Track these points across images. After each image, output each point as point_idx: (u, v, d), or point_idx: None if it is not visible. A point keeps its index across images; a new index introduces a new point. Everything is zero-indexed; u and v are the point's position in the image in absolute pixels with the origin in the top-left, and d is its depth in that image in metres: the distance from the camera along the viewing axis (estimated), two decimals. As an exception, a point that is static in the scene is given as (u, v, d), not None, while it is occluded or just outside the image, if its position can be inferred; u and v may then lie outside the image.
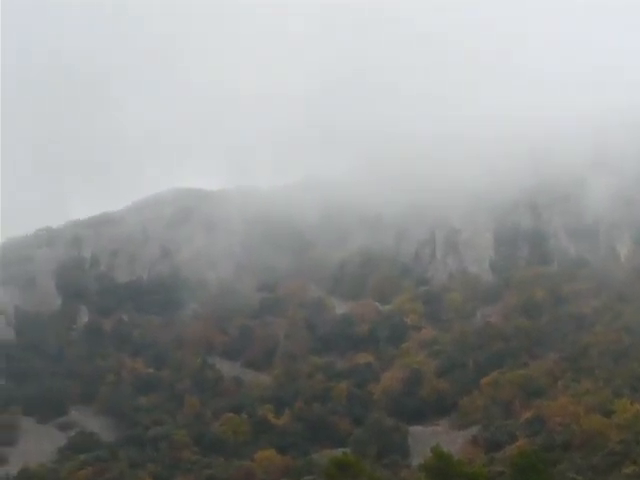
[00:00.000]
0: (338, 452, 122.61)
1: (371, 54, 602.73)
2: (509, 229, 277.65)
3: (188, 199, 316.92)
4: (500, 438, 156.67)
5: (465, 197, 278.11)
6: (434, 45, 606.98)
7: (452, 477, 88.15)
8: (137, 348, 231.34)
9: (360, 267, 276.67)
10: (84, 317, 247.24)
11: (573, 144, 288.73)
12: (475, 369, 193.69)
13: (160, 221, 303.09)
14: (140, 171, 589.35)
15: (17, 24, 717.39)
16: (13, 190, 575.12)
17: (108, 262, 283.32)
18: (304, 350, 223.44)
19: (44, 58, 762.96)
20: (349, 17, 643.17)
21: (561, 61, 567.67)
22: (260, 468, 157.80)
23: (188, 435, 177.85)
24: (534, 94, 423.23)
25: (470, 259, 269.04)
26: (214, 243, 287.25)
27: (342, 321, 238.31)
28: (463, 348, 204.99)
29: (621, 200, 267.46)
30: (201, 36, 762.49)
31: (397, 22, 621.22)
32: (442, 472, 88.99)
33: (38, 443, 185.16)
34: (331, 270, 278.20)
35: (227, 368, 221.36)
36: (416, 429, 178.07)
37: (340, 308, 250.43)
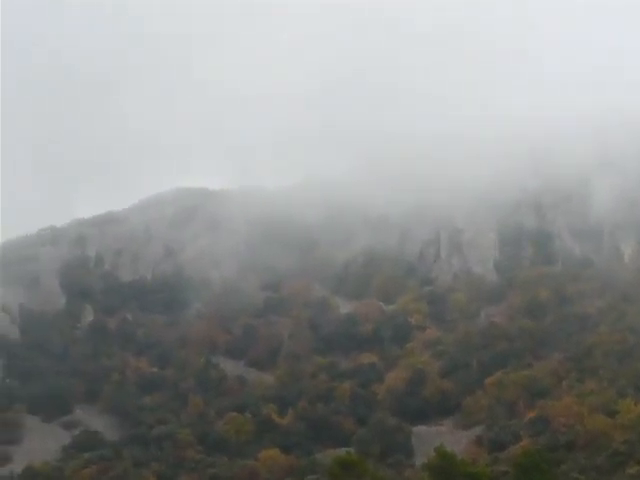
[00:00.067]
0: (342, 452, 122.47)
1: (371, 54, 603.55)
2: (513, 229, 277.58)
3: (192, 198, 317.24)
4: (504, 438, 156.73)
5: (469, 197, 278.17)
6: (435, 45, 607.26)
7: (456, 477, 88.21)
8: (141, 347, 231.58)
9: (364, 267, 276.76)
10: (88, 316, 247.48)
11: (577, 144, 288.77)
12: (479, 369, 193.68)
13: (164, 220, 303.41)
14: (144, 170, 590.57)
15: (17, 24, 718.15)
16: (16, 189, 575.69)
17: (112, 261, 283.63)
18: (308, 350, 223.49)
19: (45, 58, 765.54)
20: (349, 17, 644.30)
21: (563, 61, 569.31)
22: (264, 467, 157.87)
23: (192, 434, 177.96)
24: (537, 94, 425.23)
25: (474, 259, 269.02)
26: (218, 242, 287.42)
27: (346, 321, 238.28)
28: (467, 348, 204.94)
29: (625, 201, 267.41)
30: (203, 36, 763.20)
31: (397, 22, 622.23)
32: (446, 472, 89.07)
33: (42, 441, 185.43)
34: (335, 270, 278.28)
35: (231, 367, 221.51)
36: (420, 429, 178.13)
37: (344, 308, 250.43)
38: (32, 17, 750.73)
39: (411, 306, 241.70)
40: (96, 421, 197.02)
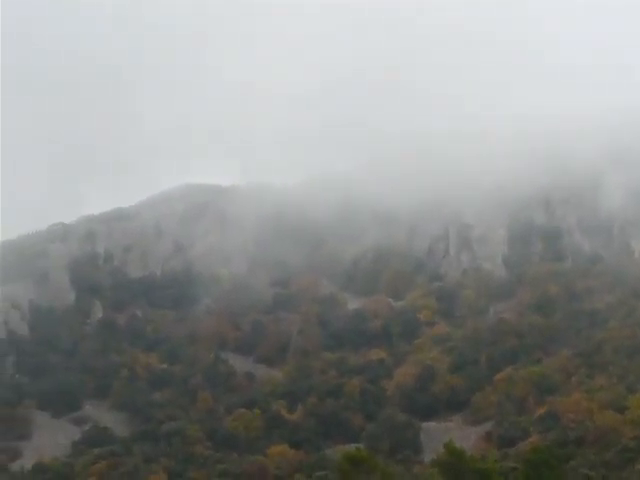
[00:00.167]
0: (351, 448, 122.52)
1: (388, 51, 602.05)
2: (523, 225, 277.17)
3: (201, 195, 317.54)
4: (513, 434, 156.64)
5: (479, 193, 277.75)
6: (452, 44, 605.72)
7: (465, 473, 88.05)
8: (150, 343, 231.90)
9: (373, 263, 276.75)
10: (98, 312, 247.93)
11: (588, 141, 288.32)
12: (488, 365, 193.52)
13: (173, 217, 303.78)
14: (153, 167, 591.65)
15: (30, 19, 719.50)
16: (27, 186, 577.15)
17: (121, 257, 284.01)
18: (317, 346, 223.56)
19: (59, 56, 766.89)
20: (370, 14, 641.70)
21: (574, 59, 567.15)
22: (273, 463, 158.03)
23: (201, 430, 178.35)
24: (548, 91, 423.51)
25: (483, 255, 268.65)
26: (227, 239, 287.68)
27: (355, 317, 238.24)
28: (476, 344, 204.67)
29: (635, 197, 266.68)
30: (214, 34, 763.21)
31: (416, 20, 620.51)
32: (455, 468, 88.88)
33: (52, 437, 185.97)
34: (344, 266, 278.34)
35: (240, 363, 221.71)
36: (429, 425, 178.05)
37: (353, 304, 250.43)
38: (44, 13, 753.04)
39: (420, 302, 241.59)
40: (106, 417, 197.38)
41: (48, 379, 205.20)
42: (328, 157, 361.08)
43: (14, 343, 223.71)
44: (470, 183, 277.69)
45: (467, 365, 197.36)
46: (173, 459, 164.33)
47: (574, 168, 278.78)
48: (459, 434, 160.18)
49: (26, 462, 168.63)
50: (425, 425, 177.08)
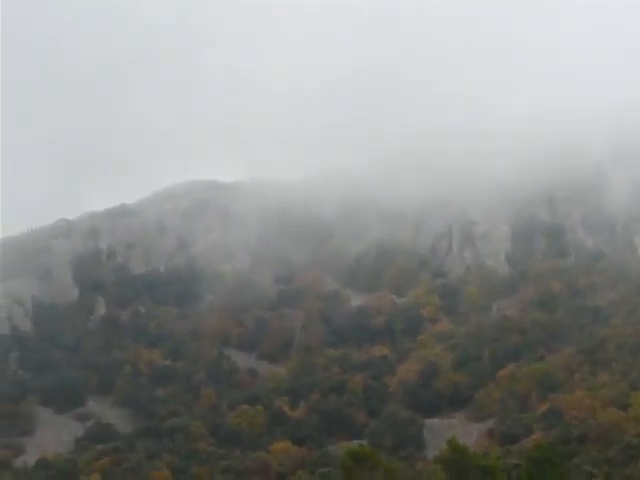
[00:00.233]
0: (354, 444, 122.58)
1: (395, 47, 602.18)
2: (526, 222, 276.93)
3: (204, 191, 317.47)
4: (516, 431, 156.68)
5: (482, 190, 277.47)
6: (453, 43, 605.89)
7: (468, 470, 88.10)
8: (154, 340, 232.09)
9: (376, 259, 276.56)
10: (101, 308, 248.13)
11: (591, 138, 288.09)
12: (491, 362, 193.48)
13: (176, 213, 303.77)
14: (157, 163, 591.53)
15: (28, 16, 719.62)
16: (29, 183, 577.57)
17: (124, 254, 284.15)
18: (320, 342, 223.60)
19: (61, 51, 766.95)
20: (384, 11, 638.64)
21: (578, 55, 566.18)
22: (276, 459, 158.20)
23: (204, 426, 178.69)
24: (552, 88, 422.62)
25: (487, 252, 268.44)
26: (230, 235, 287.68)
27: (358, 313, 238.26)
28: (479, 341, 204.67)
29: (639, 194, 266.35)
30: (215, 34, 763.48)
31: (431, 18, 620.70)
32: (458, 464, 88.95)
33: (55, 433, 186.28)
34: (348, 262, 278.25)
35: (243, 360, 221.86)
36: (432, 421, 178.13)
37: (356, 300, 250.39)
38: (44, 12, 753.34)
39: (423, 299, 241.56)
40: (109, 413, 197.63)
41: (51, 375, 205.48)
42: (331, 154, 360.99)
43: (17, 339, 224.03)
44: (474, 180, 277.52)
45: (470, 362, 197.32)
46: (176, 455, 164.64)
47: (577, 165, 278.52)
48: (462, 431, 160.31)
49: (29, 458, 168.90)
50: (428, 422, 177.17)
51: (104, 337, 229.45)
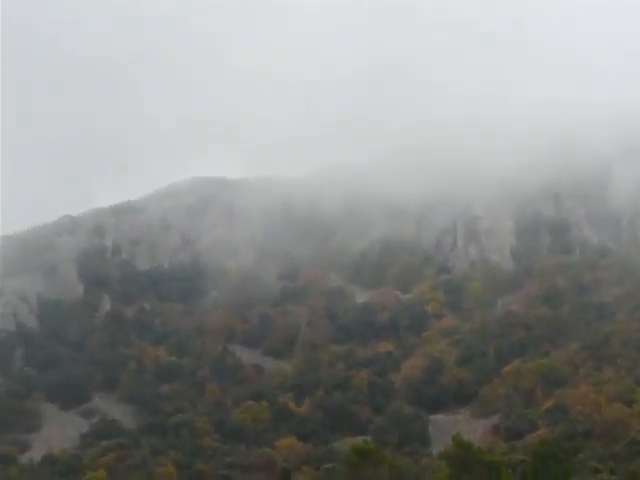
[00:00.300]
0: (359, 440, 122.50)
1: (386, 47, 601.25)
2: (531, 217, 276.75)
3: (209, 188, 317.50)
4: (521, 427, 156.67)
5: (487, 185, 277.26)
6: (466, 36, 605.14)
7: (473, 465, 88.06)
8: (158, 336, 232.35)
9: (381, 255, 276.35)
10: (106, 305, 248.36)
11: (596, 133, 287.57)
12: (496, 358, 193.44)
13: (181, 209, 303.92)
14: (161, 160, 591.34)
15: (23, 18, 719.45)
16: (33, 179, 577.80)
17: (129, 250, 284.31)
18: (325, 338, 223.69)
19: (64, 47, 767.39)
20: (393, 8, 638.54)
21: (582, 50, 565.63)
22: (281, 456, 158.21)
23: (209, 422, 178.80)
24: (556, 83, 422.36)
25: (491, 247, 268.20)
26: (235, 231, 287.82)
27: (363, 309, 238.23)
28: (484, 337, 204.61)
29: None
30: (217, 27, 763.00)
31: (433, 16, 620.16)
32: (463, 460, 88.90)
33: (61, 430, 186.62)
34: (352, 258, 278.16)
35: (247, 356, 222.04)
36: (437, 418, 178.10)
37: (360, 297, 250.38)
38: (44, 11, 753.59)
39: (428, 295, 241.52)
40: (114, 409, 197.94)
41: (57, 372, 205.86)
42: (334, 151, 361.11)
43: (22, 336, 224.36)
44: (478, 175, 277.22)
45: (475, 358, 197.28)
46: (181, 451, 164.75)
47: (582, 160, 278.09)
48: (467, 427, 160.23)
49: (35, 454, 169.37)
50: (433, 418, 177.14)
51: (109, 334, 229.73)
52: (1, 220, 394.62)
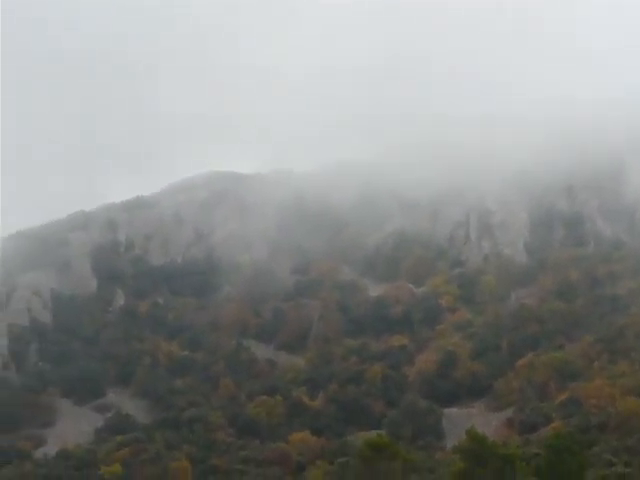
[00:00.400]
0: (372, 434, 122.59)
1: (405, 39, 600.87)
2: (544, 211, 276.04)
3: (222, 182, 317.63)
4: (535, 420, 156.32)
5: (500, 179, 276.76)
6: (482, 28, 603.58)
7: (487, 459, 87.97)
8: (172, 331, 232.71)
9: (394, 249, 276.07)
10: (120, 300, 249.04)
11: (610, 126, 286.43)
12: (510, 351, 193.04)
13: (194, 204, 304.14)
14: (174, 154, 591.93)
15: (23, 18, 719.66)
16: (47, 174, 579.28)
17: (143, 245, 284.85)
18: (338, 332, 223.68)
19: (78, 41, 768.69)
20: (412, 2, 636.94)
21: (596, 42, 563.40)
22: (295, 450, 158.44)
23: (223, 417, 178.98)
24: (570, 76, 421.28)
25: (505, 241, 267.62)
26: (248, 226, 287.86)
27: (376, 303, 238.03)
28: (497, 330, 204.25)
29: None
30: (234, 22, 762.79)
31: (449, 10, 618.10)
32: (477, 454, 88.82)
33: (76, 424, 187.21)
34: (365, 252, 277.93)
35: (261, 350, 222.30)
36: (451, 411, 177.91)
37: (374, 290, 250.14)
38: (43, 8, 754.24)
39: (441, 288, 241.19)
40: (128, 404, 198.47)
41: (71, 367, 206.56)
42: (347, 144, 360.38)
43: (37, 331, 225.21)
44: (491, 169, 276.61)
45: (488, 351, 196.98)
46: (195, 446, 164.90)
47: (596, 153, 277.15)
48: (481, 420, 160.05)
49: (50, 449, 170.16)
50: (447, 411, 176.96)
51: (123, 328, 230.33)
52: (15, 216, 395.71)
